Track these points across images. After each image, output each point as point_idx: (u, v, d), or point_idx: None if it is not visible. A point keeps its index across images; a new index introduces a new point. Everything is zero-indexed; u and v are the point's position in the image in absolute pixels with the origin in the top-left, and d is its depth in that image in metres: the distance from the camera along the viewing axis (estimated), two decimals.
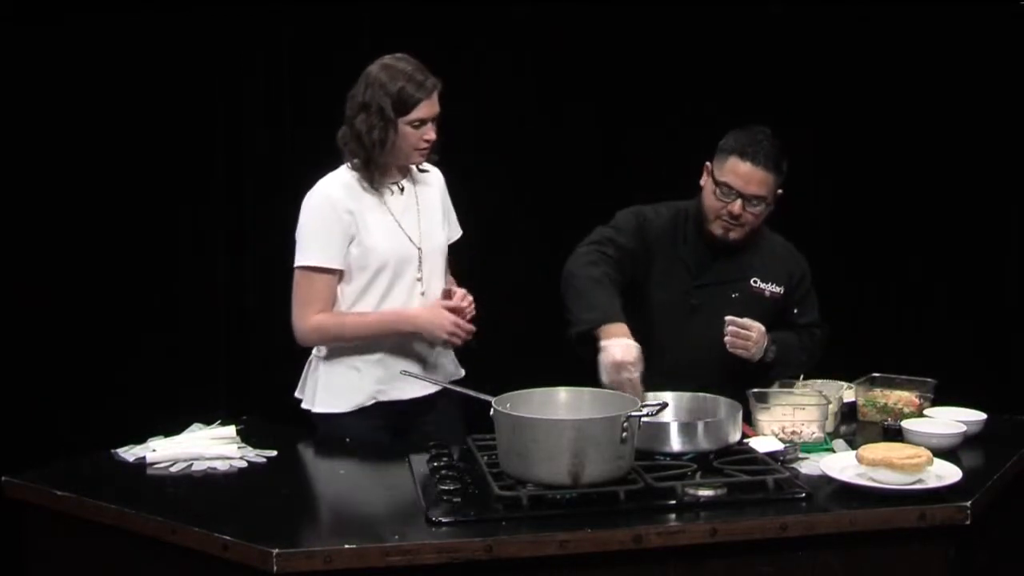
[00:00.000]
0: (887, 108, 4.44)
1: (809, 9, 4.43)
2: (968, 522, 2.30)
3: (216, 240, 4.22)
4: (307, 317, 2.92)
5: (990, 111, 4.37)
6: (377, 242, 2.91)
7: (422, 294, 2.98)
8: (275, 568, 2.04)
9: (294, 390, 4.42)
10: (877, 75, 4.44)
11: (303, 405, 3.06)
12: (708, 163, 3.10)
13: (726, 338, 3.01)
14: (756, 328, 3.03)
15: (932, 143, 4.42)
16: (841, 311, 4.36)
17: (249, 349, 4.28)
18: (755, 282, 3.15)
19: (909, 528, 2.29)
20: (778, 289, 3.17)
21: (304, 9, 4.23)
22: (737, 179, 3.01)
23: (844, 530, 2.27)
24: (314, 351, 3.04)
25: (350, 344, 2.94)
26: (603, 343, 2.77)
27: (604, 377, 2.75)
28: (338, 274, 2.92)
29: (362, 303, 2.95)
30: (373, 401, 2.96)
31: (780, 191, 3.11)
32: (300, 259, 2.93)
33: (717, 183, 3.04)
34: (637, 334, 2.85)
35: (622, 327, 2.81)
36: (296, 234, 2.96)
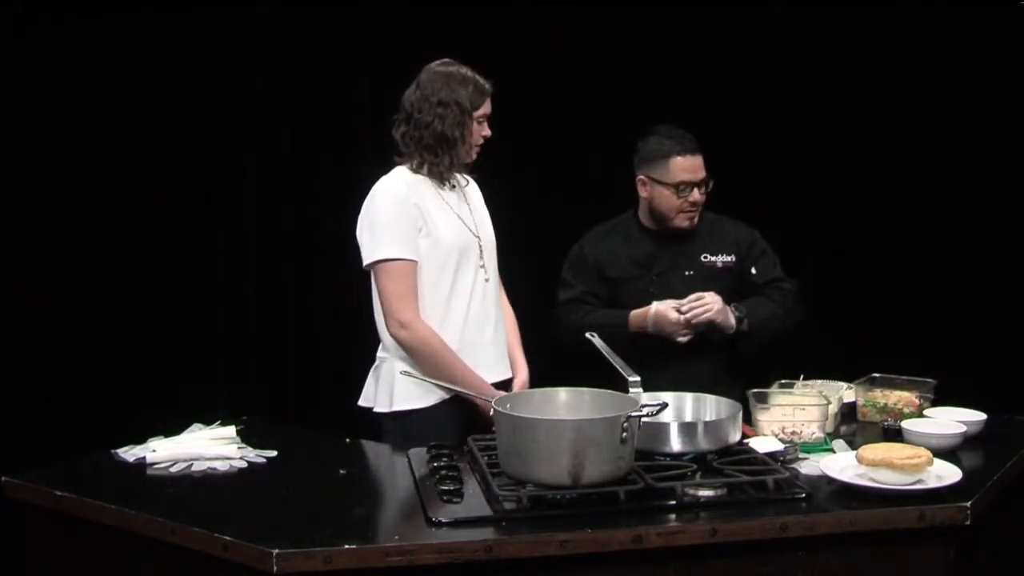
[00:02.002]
0: (887, 108, 4.45)
1: (809, 9, 4.43)
2: (968, 522, 2.30)
3: (216, 240, 4.22)
4: (402, 310, 2.93)
5: (990, 111, 4.37)
6: (443, 233, 2.99)
7: (486, 280, 3.08)
8: (275, 568, 2.04)
9: (294, 391, 4.43)
10: (877, 75, 4.44)
11: (376, 409, 3.05)
12: (642, 176, 3.43)
13: (687, 316, 3.28)
14: (707, 294, 3.31)
15: (932, 143, 4.42)
16: (841, 311, 4.38)
17: (249, 349, 4.28)
18: (705, 257, 3.45)
19: (909, 528, 2.28)
20: (729, 258, 3.46)
21: (304, 9, 4.23)
22: (688, 173, 3.37)
23: (844, 530, 2.27)
24: (380, 353, 3.06)
25: (430, 367, 2.96)
26: (647, 317, 3.33)
27: (665, 328, 3.31)
28: (416, 265, 2.96)
29: (435, 292, 2.99)
30: (453, 393, 2.96)
31: None
32: (378, 253, 2.95)
33: (671, 185, 3.38)
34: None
35: (637, 311, 3.36)
36: (361, 233, 3.00)
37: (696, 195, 3.38)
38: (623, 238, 3.52)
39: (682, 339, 3.32)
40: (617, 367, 2.73)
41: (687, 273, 3.44)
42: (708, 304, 3.28)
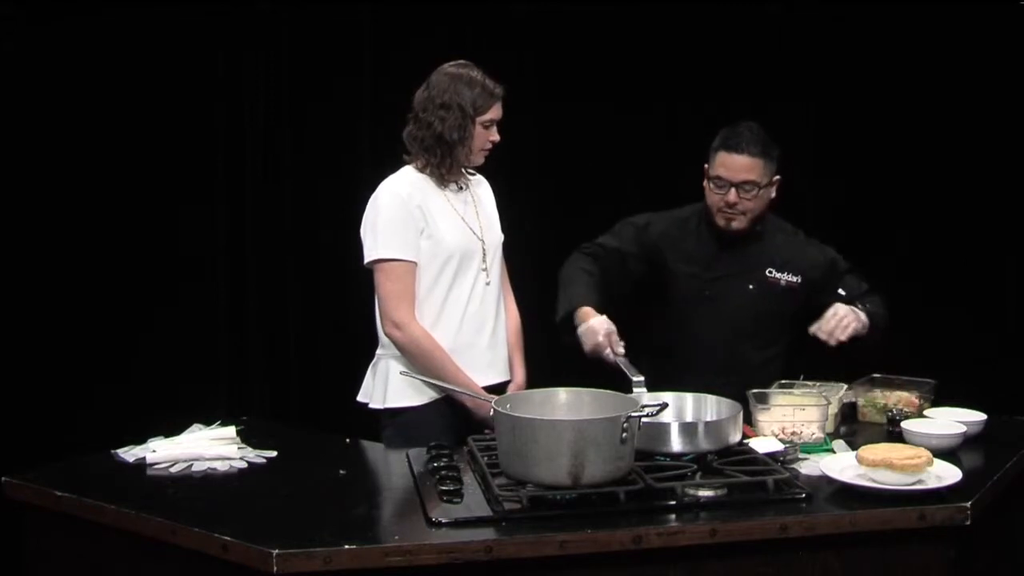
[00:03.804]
0: (887, 109, 4.44)
1: (808, 9, 4.43)
2: (968, 523, 2.30)
3: (216, 240, 4.22)
4: (398, 311, 2.95)
5: (990, 111, 4.37)
6: (445, 234, 3.00)
7: (487, 284, 3.08)
8: (275, 568, 2.04)
9: (294, 391, 4.42)
10: (877, 75, 4.44)
11: (371, 405, 3.07)
12: (705, 165, 3.25)
13: (833, 338, 3.03)
14: (832, 310, 3.07)
15: (932, 143, 4.41)
16: None
17: (249, 349, 4.28)
18: (770, 272, 3.27)
19: (909, 529, 2.29)
20: (794, 279, 3.28)
21: (304, 9, 4.23)
22: (726, 170, 3.18)
23: (844, 531, 2.27)
24: (379, 350, 3.08)
25: (421, 368, 2.97)
26: (584, 325, 3.04)
27: (586, 346, 3.02)
28: (415, 266, 2.97)
29: (432, 293, 3.00)
30: (446, 393, 2.97)
31: (777, 177, 3.25)
32: (378, 253, 2.97)
33: (710, 178, 3.21)
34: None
35: (590, 310, 3.07)
36: (364, 232, 3.01)
37: (732, 196, 3.16)
38: (692, 230, 3.32)
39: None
40: (621, 366, 2.76)
41: (750, 286, 3.26)
42: (844, 320, 3.04)
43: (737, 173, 3.17)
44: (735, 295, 3.26)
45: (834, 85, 4.44)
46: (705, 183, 3.25)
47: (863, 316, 3.12)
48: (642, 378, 2.68)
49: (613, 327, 3.00)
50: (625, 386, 2.65)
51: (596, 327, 2.99)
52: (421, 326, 2.97)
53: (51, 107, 3.87)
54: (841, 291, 3.25)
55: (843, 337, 3.04)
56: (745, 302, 3.25)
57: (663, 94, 4.40)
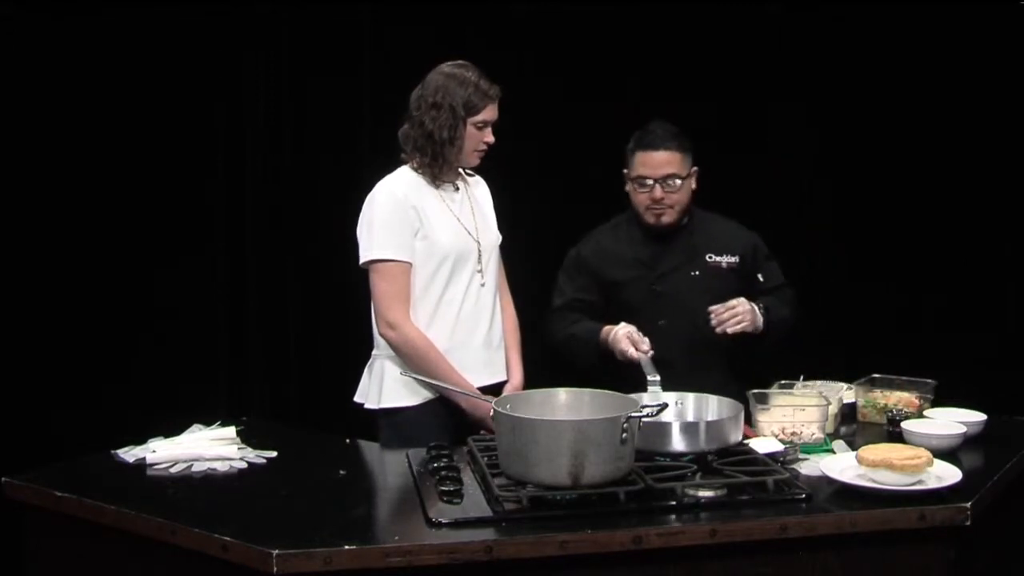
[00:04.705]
0: (887, 109, 4.44)
1: (808, 9, 4.43)
2: (968, 523, 2.30)
3: (216, 240, 4.22)
4: (392, 311, 2.96)
5: (990, 111, 4.37)
6: (440, 235, 3.00)
7: (482, 285, 3.09)
8: (275, 568, 2.04)
9: (294, 391, 4.42)
10: (877, 75, 4.44)
11: (367, 406, 3.07)
12: (624, 170, 3.38)
13: (721, 327, 3.19)
14: (737, 300, 3.22)
15: (932, 144, 4.41)
16: (842, 312, 4.39)
17: (249, 349, 4.28)
18: (710, 257, 3.38)
19: (909, 529, 2.29)
20: (733, 259, 3.39)
21: (304, 9, 4.23)
22: (646, 168, 3.31)
23: (844, 531, 2.27)
24: (374, 351, 3.08)
25: (415, 368, 2.97)
26: (610, 336, 3.19)
27: (616, 354, 3.15)
28: (410, 267, 2.97)
29: (427, 294, 3.01)
30: (440, 394, 2.97)
31: (695, 168, 3.37)
32: (373, 253, 2.97)
33: (631, 179, 3.35)
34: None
35: (609, 327, 3.24)
36: (360, 232, 3.02)
37: (658, 191, 3.29)
38: (625, 237, 3.43)
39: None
40: (642, 364, 2.86)
41: (693, 274, 3.35)
42: (739, 316, 3.19)
43: (658, 169, 3.29)
44: (683, 286, 3.35)
45: (834, 85, 4.44)
46: (628, 186, 3.37)
47: (760, 320, 3.25)
48: (658, 378, 2.71)
49: (632, 327, 3.16)
50: (623, 387, 2.65)
51: (618, 333, 3.16)
52: (415, 326, 2.98)
53: (51, 108, 3.86)
54: (760, 277, 3.40)
55: (730, 331, 3.19)
56: (695, 291, 3.32)
57: (663, 94, 4.40)
